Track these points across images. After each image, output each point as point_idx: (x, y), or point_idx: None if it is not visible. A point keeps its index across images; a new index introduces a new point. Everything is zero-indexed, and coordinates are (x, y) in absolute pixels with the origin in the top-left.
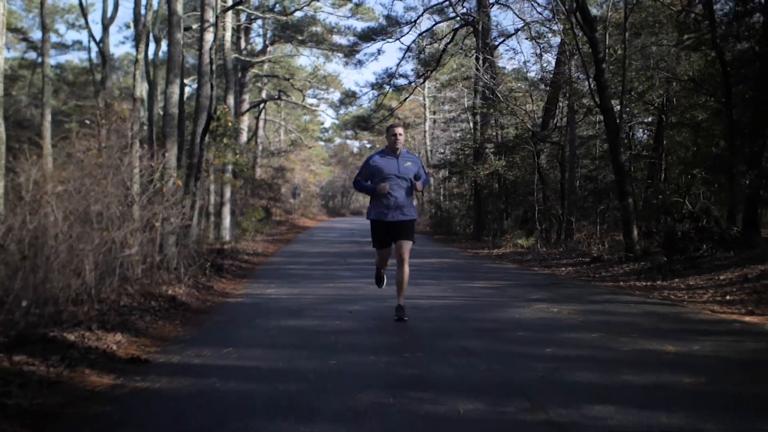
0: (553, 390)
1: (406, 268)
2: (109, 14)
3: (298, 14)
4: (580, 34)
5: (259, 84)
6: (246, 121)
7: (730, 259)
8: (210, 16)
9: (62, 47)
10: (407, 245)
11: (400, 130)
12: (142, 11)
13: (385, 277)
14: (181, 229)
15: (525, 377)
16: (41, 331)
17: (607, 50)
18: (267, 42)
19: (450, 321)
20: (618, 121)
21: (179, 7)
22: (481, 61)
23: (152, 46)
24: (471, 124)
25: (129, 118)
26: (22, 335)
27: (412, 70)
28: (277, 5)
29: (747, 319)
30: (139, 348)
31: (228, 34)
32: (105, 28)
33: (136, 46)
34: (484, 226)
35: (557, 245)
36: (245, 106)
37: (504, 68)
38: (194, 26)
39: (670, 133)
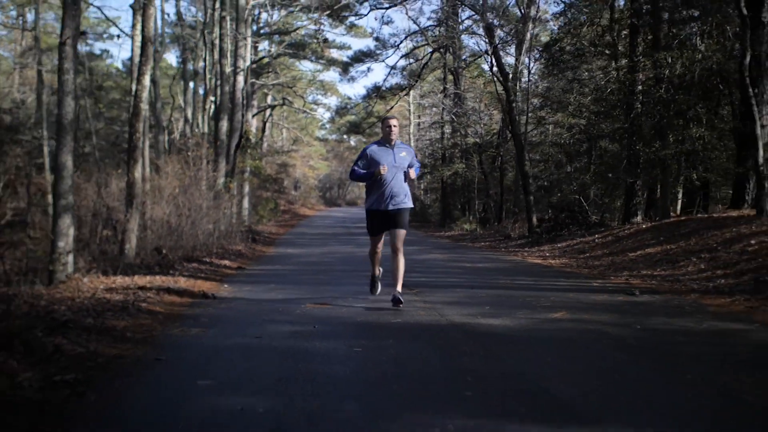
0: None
1: (401, 258)
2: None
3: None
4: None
5: (265, 90)
6: (254, 124)
7: (577, 236)
8: (241, 64)
9: (92, 56)
10: (401, 235)
11: (394, 122)
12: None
13: (379, 284)
14: (227, 214)
15: None
16: (194, 257)
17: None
18: (273, 56)
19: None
20: (523, 141)
21: (227, 69)
22: (446, 90)
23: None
24: (440, 134)
25: (201, 145)
26: (185, 257)
27: (396, 84)
28: (281, 21)
29: (533, 260)
30: (237, 265)
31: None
32: (155, 62)
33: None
34: (448, 216)
35: (491, 229)
36: (254, 110)
37: (478, 76)
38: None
39: (604, 141)
